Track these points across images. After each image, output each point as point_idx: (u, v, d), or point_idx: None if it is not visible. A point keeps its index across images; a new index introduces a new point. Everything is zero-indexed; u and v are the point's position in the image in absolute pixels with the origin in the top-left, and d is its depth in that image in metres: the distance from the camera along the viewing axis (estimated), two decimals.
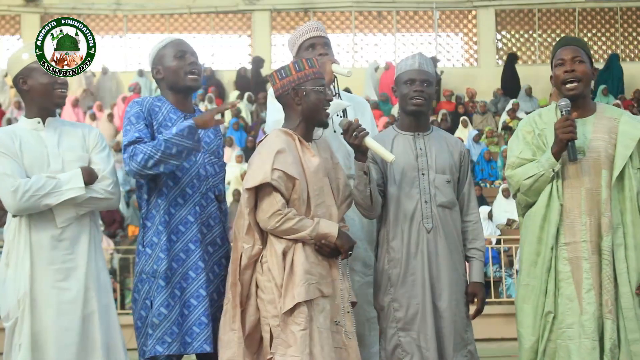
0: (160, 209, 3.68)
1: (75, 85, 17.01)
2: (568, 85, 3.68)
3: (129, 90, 17.13)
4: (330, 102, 3.62)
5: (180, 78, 3.77)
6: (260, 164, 3.49)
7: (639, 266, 3.61)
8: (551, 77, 3.81)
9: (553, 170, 3.63)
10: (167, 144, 3.54)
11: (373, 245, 4.04)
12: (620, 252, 3.59)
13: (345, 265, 3.59)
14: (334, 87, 3.97)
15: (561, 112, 3.65)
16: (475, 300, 3.83)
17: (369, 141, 3.61)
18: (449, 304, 3.69)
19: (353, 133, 3.57)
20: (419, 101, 3.77)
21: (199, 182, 3.75)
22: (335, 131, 3.97)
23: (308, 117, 3.59)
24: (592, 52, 18.15)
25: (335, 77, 3.94)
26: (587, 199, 3.63)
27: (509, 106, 16.12)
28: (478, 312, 3.83)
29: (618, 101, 16.09)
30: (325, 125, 3.64)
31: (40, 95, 3.70)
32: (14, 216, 3.63)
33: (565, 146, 3.59)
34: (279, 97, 3.66)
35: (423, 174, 3.76)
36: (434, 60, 17.56)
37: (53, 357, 3.54)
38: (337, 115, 4.00)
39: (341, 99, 3.97)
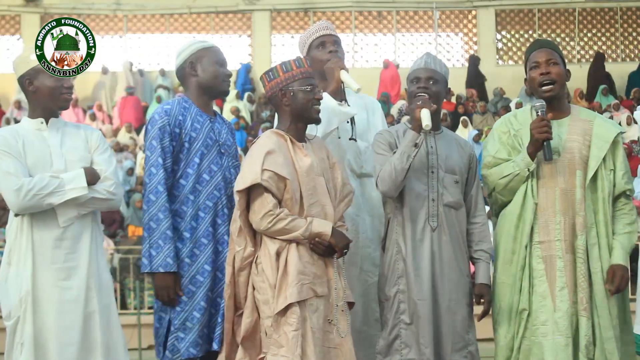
0: (187, 216, 3.74)
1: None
2: (544, 88, 3.74)
3: (126, 92, 17.10)
4: (320, 101, 3.62)
5: (218, 82, 3.89)
6: (250, 165, 3.51)
7: None
8: (525, 79, 3.87)
9: (528, 169, 3.69)
10: (150, 230, 3.67)
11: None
12: (594, 251, 3.66)
13: (340, 264, 3.60)
14: (342, 93, 3.97)
15: (536, 112, 3.71)
16: (482, 301, 3.83)
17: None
18: (449, 303, 3.70)
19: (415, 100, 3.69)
20: (423, 97, 3.77)
21: (225, 184, 3.82)
22: (339, 137, 3.98)
23: (298, 117, 3.61)
24: (592, 52, 18.21)
25: (343, 83, 3.95)
26: (562, 198, 3.69)
27: (512, 105, 16.12)
28: (485, 313, 3.84)
29: (617, 101, 16.09)
30: (316, 122, 3.65)
31: (46, 97, 3.72)
32: (16, 215, 3.64)
33: (541, 146, 3.66)
34: (269, 99, 3.69)
35: (432, 172, 3.77)
36: (475, 60, 17.57)
37: (55, 355, 3.56)
38: (347, 122, 4.01)
39: (348, 105, 3.97)
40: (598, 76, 17.20)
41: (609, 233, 3.70)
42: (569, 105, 3.90)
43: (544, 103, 3.72)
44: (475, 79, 17.59)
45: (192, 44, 3.92)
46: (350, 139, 4.02)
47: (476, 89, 17.34)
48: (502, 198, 3.81)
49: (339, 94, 3.93)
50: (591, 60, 18.16)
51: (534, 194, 3.70)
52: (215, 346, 3.69)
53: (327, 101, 3.78)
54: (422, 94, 3.74)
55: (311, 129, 3.71)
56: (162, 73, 17.98)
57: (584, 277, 3.63)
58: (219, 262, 3.75)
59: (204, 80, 3.87)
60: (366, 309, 3.98)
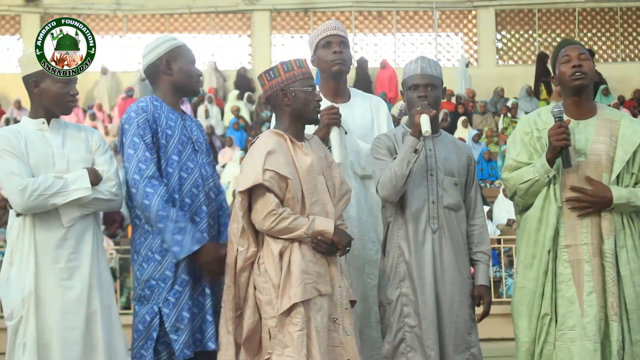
0: None
1: None
2: (576, 76, 3.67)
3: (125, 94, 17.09)
4: (319, 101, 3.62)
5: (192, 82, 3.89)
6: (251, 166, 3.50)
7: None
8: (552, 77, 3.82)
9: (548, 176, 3.64)
10: (160, 222, 3.62)
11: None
12: (623, 254, 3.61)
13: (343, 262, 3.60)
14: (326, 143, 3.91)
15: (554, 118, 3.64)
16: (482, 302, 3.82)
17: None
18: (450, 305, 3.70)
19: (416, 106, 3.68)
20: (422, 103, 3.76)
21: (202, 181, 3.80)
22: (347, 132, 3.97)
23: (298, 117, 3.61)
24: (546, 54, 18.16)
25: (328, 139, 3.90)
26: None
27: (510, 105, 16.14)
28: (485, 315, 3.83)
29: (617, 101, 16.09)
30: (316, 122, 3.66)
31: (50, 101, 3.72)
32: (17, 215, 3.64)
33: (559, 153, 3.60)
34: (268, 99, 3.68)
35: (432, 175, 3.77)
36: (543, 57, 17.59)
37: (58, 355, 3.55)
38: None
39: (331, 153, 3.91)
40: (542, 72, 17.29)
41: (634, 235, 3.65)
42: (596, 105, 3.84)
43: (562, 108, 3.65)
44: (542, 76, 17.52)
45: (165, 41, 3.89)
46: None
47: (544, 86, 17.25)
48: (524, 202, 3.76)
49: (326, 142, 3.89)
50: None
51: (557, 197, 3.64)
52: (211, 345, 3.66)
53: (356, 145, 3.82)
54: (422, 101, 3.73)
55: (309, 129, 3.71)
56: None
57: (614, 282, 3.57)
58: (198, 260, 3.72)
59: (179, 79, 3.86)
60: (368, 311, 3.97)
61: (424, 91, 3.76)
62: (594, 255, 3.60)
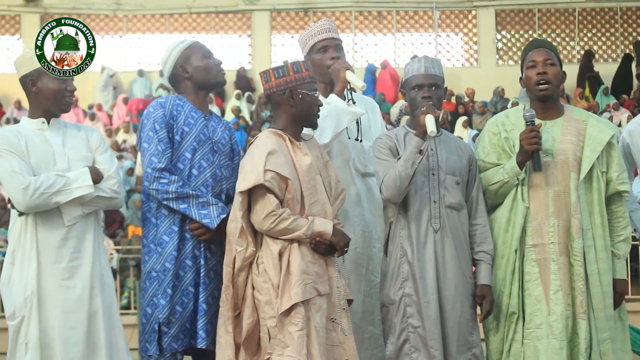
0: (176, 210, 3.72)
1: None
2: (540, 87, 3.73)
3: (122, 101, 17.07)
4: (320, 107, 3.62)
5: (212, 75, 3.91)
6: (252, 166, 3.50)
7: (609, 266, 3.69)
8: (521, 78, 3.87)
9: (517, 178, 3.68)
10: (183, 207, 3.68)
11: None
12: (591, 253, 3.66)
13: (341, 263, 3.61)
14: (348, 94, 3.96)
15: (526, 122, 3.69)
16: (485, 302, 3.81)
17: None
18: (453, 305, 3.70)
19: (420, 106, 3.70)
20: (427, 104, 3.75)
21: (214, 182, 3.80)
22: (350, 137, 3.97)
23: (299, 119, 3.61)
24: (592, 52, 18.19)
25: (349, 83, 3.94)
26: (555, 201, 3.68)
27: (509, 106, 16.12)
28: (488, 314, 3.82)
29: (616, 101, 16.08)
30: (315, 127, 3.65)
31: (48, 99, 3.72)
32: (20, 215, 3.64)
33: (530, 156, 3.65)
34: (269, 96, 3.65)
35: (433, 174, 3.77)
36: (589, 55, 17.60)
37: (60, 355, 3.56)
38: (357, 122, 4.01)
39: (355, 104, 3.97)
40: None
41: (606, 235, 3.70)
42: (563, 105, 3.90)
43: (534, 112, 3.71)
44: (586, 73, 17.47)
45: (174, 47, 3.91)
46: (356, 139, 4.02)
47: (588, 84, 17.21)
48: (492, 202, 3.83)
49: (345, 95, 3.93)
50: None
51: (525, 197, 3.70)
52: (201, 343, 3.66)
53: (335, 101, 3.78)
54: (427, 101, 3.72)
55: (308, 129, 3.70)
56: (162, 73, 17.94)
57: (582, 280, 3.63)
58: (200, 258, 3.74)
59: (197, 78, 3.87)
60: (372, 309, 3.97)
61: (428, 91, 3.77)
62: (560, 254, 3.65)
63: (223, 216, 3.66)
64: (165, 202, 3.70)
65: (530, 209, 3.70)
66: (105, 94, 17.46)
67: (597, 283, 3.64)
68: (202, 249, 3.75)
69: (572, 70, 16.85)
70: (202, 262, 3.74)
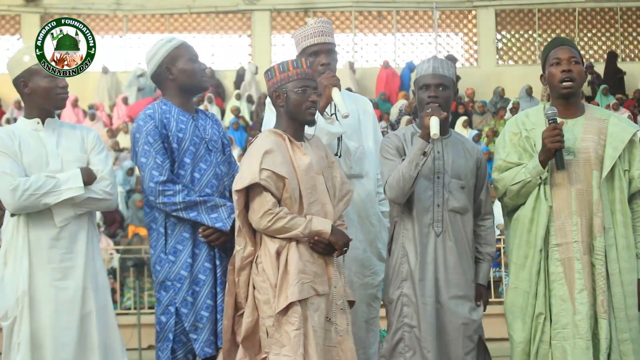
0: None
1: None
2: (565, 84, 3.70)
3: (124, 103, 17.05)
4: (314, 103, 3.59)
5: (196, 80, 3.84)
6: (248, 165, 3.51)
7: (632, 265, 3.65)
8: (542, 75, 3.83)
9: (540, 177, 3.65)
10: (192, 214, 3.69)
11: (372, 247, 4.03)
12: (612, 252, 3.62)
13: (340, 263, 3.60)
14: (331, 109, 3.94)
15: (548, 120, 3.66)
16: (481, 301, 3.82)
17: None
18: (455, 308, 3.69)
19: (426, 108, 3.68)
20: (433, 106, 3.73)
21: (217, 181, 3.80)
22: (336, 154, 3.95)
23: (292, 118, 3.61)
24: (592, 52, 18.21)
25: (332, 100, 3.90)
26: (578, 199, 3.65)
27: (510, 106, 16.11)
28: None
29: (616, 101, 16.08)
30: (310, 124, 3.63)
31: (42, 98, 3.72)
32: (12, 215, 3.64)
33: (553, 155, 3.62)
34: (269, 98, 3.69)
35: (438, 177, 3.75)
36: (452, 60, 17.54)
37: (51, 356, 3.56)
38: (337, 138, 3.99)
39: (337, 120, 3.94)
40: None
41: (628, 234, 3.66)
42: (583, 104, 3.86)
43: (556, 111, 3.67)
44: (614, 74, 17.45)
45: (162, 45, 3.84)
46: (335, 154, 3.96)
47: (615, 85, 17.16)
48: (514, 203, 3.78)
49: (327, 112, 3.91)
50: (592, 60, 18.18)
51: (547, 196, 3.66)
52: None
53: (316, 119, 3.72)
54: (433, 102, 3.71)
55: (309, 128, 3.70)
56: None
57: (603, 279, 3.58)
58: (217, 259, 3.74)
59: (182, 80, 3.82)
60: (356, 310, 3.93)
61: (435, 91, 3.75)
62: (584, 253, 3.62)
63: (234, 216, 3.63)
64: (175, 214, 3.68)
65: (553, 208, 3.66)
66: (128, 92, 17.44)
67: (619, 282, 3.60)
68: (215, 250, 3.75)
69: None
70: (218, 262, 3.75)
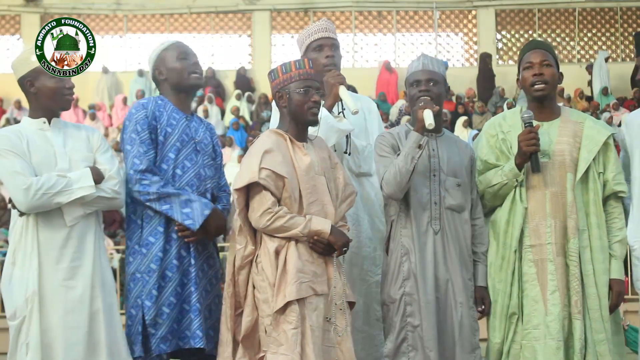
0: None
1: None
2: (536, 87, 3.75)
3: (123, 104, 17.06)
4: (317, 103, 3.60)
5: (184, 77, 3.88)
6: (248, 164, 3.53)
7: (606, 267, 3.69)
8: (518, 79, 3.88)
9: (517, 180, 3.70)
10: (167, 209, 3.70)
11: (383, 245, 4.05)
12: (586, 254, 3.67)
13: (340, 263, 3.61)
14: (338, 107, 3.96)
15: (524, 123, 3.71)
16: (484, 303, 3.82)
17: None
18: (454, 306, 3.70)
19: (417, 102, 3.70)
20: (425, 99, 3.75)
21: (198, 181, 3.82)
22: (335, 150, 3.96)
23: (295, 118, 3.62)
24: (592, 52, 18.21)
25: (341, 99, 3.92)
26: (552, 201, 3.70)
27: (505, 106, 16.11)
28: (487, 315, 3.82)
29: (616, 101, 16.08)
30: (313, 124, 3.64)
31: (48, 98, 3.73)
32: (20, 215, 3.64)
33: (529, 158, 3.66)
34: (273, 98, 3.71)
35: (434, 175, 3.77)
36: (488, 57, 17.56)
37: (61, 355, 3.56)
38: (346, 135, 3.99)
39: (345, 118, 3.95)
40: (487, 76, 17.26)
41: (602, 235, 3.70)
42: (560, 107, 3.91)
43: (532, 114, 3.72)
44: (484, 77, 17.52)
45: (154, 49, 3.95)
46: (344, 152, 4.01)
47: (487, 87, 17.25)
48: (491, 204, 3.84)
49: (335, 109, 3.92)
50: (592, 60, 18.18)
51: (523, 198, 3.71)
52: (198, 343, 3.68)
53: (325, 117, 3.74)
54: (424, 96, 3.72)
55: (313, 129, 3.70)
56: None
57: (577, 280, 3.63)
58: (188, 258, 3.76)
59: (172, 80, 3.89)
60: (367, 309, 3.97)
61: (426, 86, 3.77)
62: (557, 255, 3.66)
63: (207, 212, 3.67)
64: (148, 204, 3.71)
65: (528, 210, 3.71)
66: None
67: (593, 284, 3.64)
68: (190, 249, 3.76)
69: (572, 71, 16.87)
70: (193, 261, 3.76)
